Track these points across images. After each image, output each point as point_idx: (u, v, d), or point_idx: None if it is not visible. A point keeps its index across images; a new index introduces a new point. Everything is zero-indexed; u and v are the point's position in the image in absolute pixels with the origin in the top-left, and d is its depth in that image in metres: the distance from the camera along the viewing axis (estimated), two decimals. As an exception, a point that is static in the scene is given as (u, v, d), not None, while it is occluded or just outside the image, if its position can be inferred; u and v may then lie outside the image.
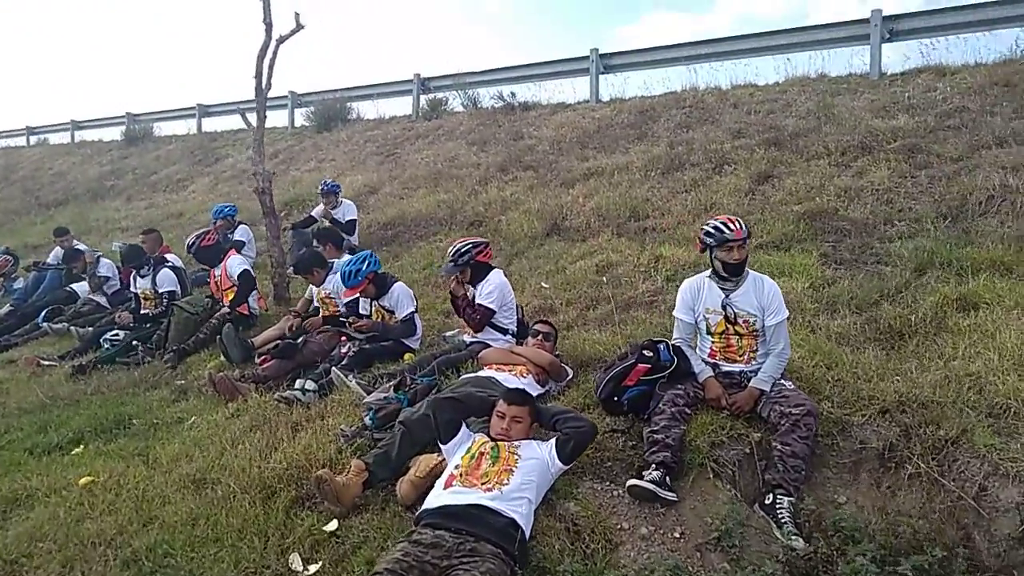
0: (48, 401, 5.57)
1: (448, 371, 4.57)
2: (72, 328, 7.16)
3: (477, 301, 4.79)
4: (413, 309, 5.36)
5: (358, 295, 5.48)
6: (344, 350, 5.24)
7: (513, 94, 12.73)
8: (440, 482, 3.04)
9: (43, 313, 7.75)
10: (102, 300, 7.99)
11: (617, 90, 11.96)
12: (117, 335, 6.66)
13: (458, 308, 4.96)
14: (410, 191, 10.43)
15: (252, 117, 7.29)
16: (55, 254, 9.23)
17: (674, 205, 7.50)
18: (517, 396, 3.27)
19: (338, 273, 5.75)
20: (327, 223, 8.95)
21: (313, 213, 9.12)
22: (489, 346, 4.75)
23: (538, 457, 3.07)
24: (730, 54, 10.76)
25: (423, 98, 14.54)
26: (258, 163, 6.86)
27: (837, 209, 6.47)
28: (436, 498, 2.94)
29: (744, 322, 3.71)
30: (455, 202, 9.37)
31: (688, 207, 7.31)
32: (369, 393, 4.26)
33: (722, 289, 3.76)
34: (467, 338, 4.97)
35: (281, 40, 6.69)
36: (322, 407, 4.52)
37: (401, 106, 15.30)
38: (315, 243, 6.98)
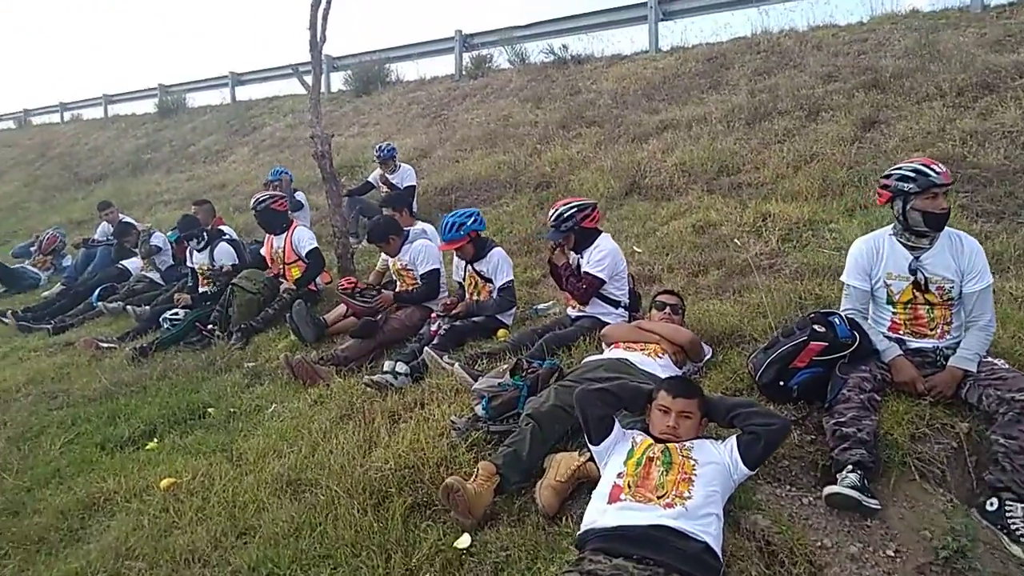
0: (113, 388, 5.17)
1: (558, 350, 4.05)
2: (128, 307, 6.76)
3: (584, 270, 4.23)
4: (512, 278, 4.83)
5: (445, 263, 4.99)
6: (434, 328, 4.71)
7: (565, 47, 11.97)
8: (601, 493, 2.51)
9: (96, 292, 7.37)
10: (155, 276, 7.58)
11: (677, 38, 11.20)
12: (177, 314, 6.24)
13: (559, 279, 4.42)
14: (465, 153, 9.84)
15: (297, 82, 6.71)
16: (102, 229, 8.87)
17: (768, 157, 6.81)
18: (683, 386, 2.71)
19: (415, 242, 5.23)
20: (385, 189, 8.45)
21: (370, 179, 8.59)
22: (600, 321, 4.21)
23: (717, 461, 2.52)
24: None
25: (466, 56, 13.86)
26: (316, 125, 6.31)
27: (965, 156, 5.76)
28: (603, 515, 2.41)
29: (938, 289, 3.09)
30: (517, 163, 8.76)
31: (786, 159, 6.63)
32: (475, 378, 3.74)
33: (910, 249, 3.14)
34: (571, 312, 4.43)
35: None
36: (419, 393, 4.02)
37: (442, 66, 14.64)
38: (386, 210, 6.41)
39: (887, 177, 3.18)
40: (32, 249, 9.27)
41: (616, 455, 2.62)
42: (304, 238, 6.17)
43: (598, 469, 2.77)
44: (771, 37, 9.70)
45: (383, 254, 5.69)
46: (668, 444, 2.57)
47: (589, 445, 2.73)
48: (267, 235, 6.42)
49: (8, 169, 19.61)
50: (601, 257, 4.17)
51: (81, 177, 16.90)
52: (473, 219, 4.75)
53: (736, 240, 5.50)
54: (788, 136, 7.06)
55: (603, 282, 4.17)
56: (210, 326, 5.99)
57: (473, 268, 4.85)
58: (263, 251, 6.45)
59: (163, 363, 5.59)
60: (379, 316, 5.01)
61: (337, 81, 16.24)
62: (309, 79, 6.58)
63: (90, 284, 7.71)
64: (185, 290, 6.65)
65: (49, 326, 6.99)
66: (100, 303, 7.12)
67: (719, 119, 7.93)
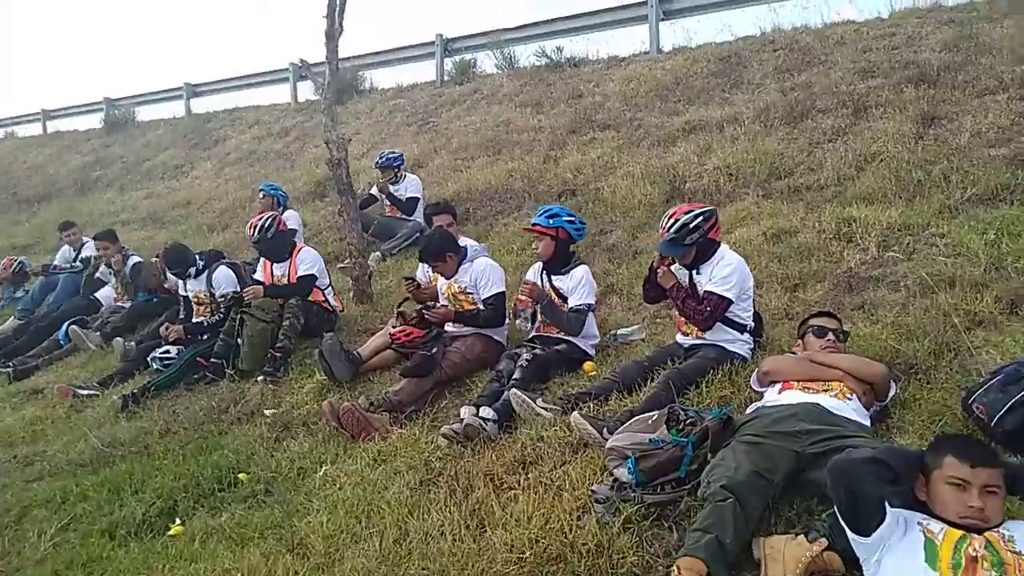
0: (106, 449, 4.22)
1: (686, 389, 3.33)
2: (115, 340, 5.74)
3: (706, 289, 3.52)
4: (592, 301, 4.10)
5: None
6: (517, 362, 3.90)
7: (559, 49, 11.32)
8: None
9: (64, 327, 6.31)
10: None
11: (678, 38, 10.65)
12: (168, 352, 5.31)
13: (652, 296, 3.77)
14: (466, 161, 9.08)
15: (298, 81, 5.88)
16: (63, 253, 7.77)
17: (822, 158, 6.26)
18: (981, 451, 2.01)
19: (475, 261, 4.45)
20: (386, 200, 7.64)
21: (373, 191, 7.74)
22: (727, 351, 3.51)
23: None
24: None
25: (448, 61, 13.13)
26: (331, 128, 5.49)
27: (1050, 149, 5.30)
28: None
29: None
30: (530, 170, 8.04)
31: (845, 159, 6.08)
32: (601, 430, 2.99)
33: None
34: (683, 339, 3.72)
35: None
36: (518, 448, 3.25)
37: (422, 72, 13.83)
38: (436, 219, 5.51)
39: None
40: None
41: (901, 554, 1.89)
42: (307, 260, 5.33)
43: (842, 564, 2.07)
44: (787, 35, 9.24)
45: (424, 272, 4.89)
46: (988, 536, 1.86)
47: (853, 536, 2.01)
48: (263, 260, 5.56)
49: (-71, 189, 17.97)
50: (728, 273, 3.47)
51: (21, 198, 15.49)
52: (572, 219, 4.08)
53: (820, 251, 4.89)
54: (839, 135, 6.53)
55: (730, 303, 3.48)
56: (213, 360, 5.08)
57: (551, 282, 4.12)
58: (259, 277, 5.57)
59: (162, 413, 4.67)
60: (434, 349, 4.21)
61: (305, 90, 15.29)
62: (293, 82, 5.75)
63: (55, 318, 6.65)
64: (176, 321, 5.70)
65: (8, 370, 5.94)
66: (78, 330, 6.05)
67: (752, 119, 7.38)
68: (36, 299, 7.40)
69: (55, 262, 7.64)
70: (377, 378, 4.61)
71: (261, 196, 7.36)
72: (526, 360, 3.81)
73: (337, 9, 5.30)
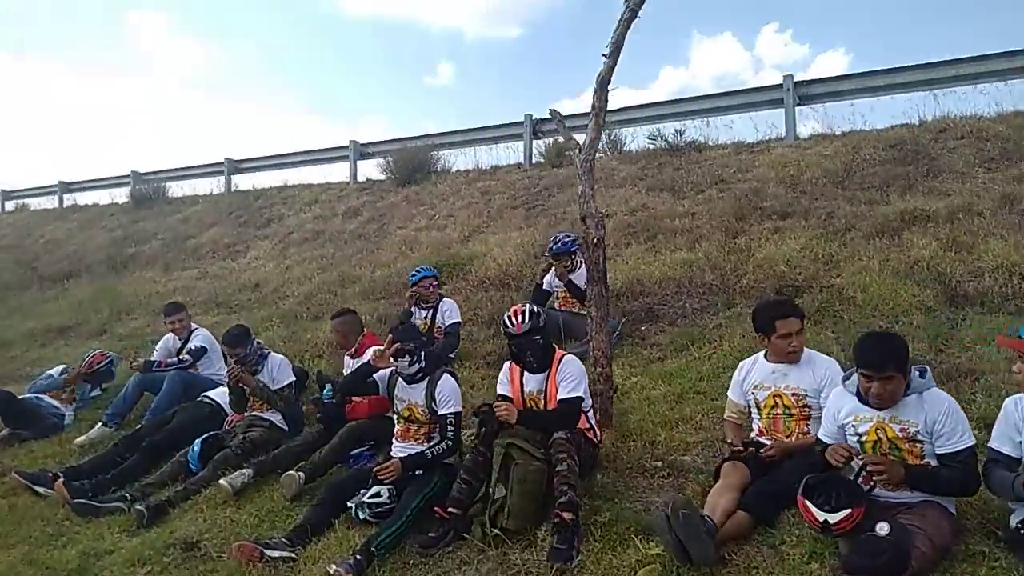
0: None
1: None
2: (291, 476, 4.22)
3: None
4: None
5: None
6: None
7: (679, 132, 10.48)
8: None
9: (198, 446, 4.78)
10: (277, 419, 5.12)
11: (811, 125, 9.92)
12: (379, 495, 3.86)
13: None
14: (615, 249, 7.89)
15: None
16: (165, 343, 6.28)
17: None
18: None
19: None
20: (559, 293, 6.40)
21: (545, 283, 6.49)
22: None
23: None
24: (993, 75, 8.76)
25: (535, 143, 12.28)
26: (588, 200, 4.27)
27: None
28: None
29: None
30: (717, 262, 6.90)
31: None
32: None
33: None
34: None
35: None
36: None
37: (503, 153, 12.98)
38: None
39: None
40: (55, 375, 6.45)
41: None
42: (574, 374, 3.95)
43: None
44: (973, 122, 8.41)
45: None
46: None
47: None
48: (510, 364, 4.12)
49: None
50: None
51: (43, 274, 14.00)
52: None
53: None
54: None
55: None
56: (451, 510, 3.63)
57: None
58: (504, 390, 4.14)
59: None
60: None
61: (367, 170, 14.34)
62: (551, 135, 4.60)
63: (170, 430, 5.11)
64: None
65: (136, 505, 4.33)
66: (293, 475, 4.30)
67: (993, 209, 6.39)
68: (129, 400, 5.84)
69: (156, 357, 6.13)
70: (733, 554, 3.18)
71: (422, 281, 6.10)
72: None
73: (620, 36, 4.16)
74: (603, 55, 4.29)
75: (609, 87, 4.39)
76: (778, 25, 49.12)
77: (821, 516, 2.74)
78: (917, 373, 2.96)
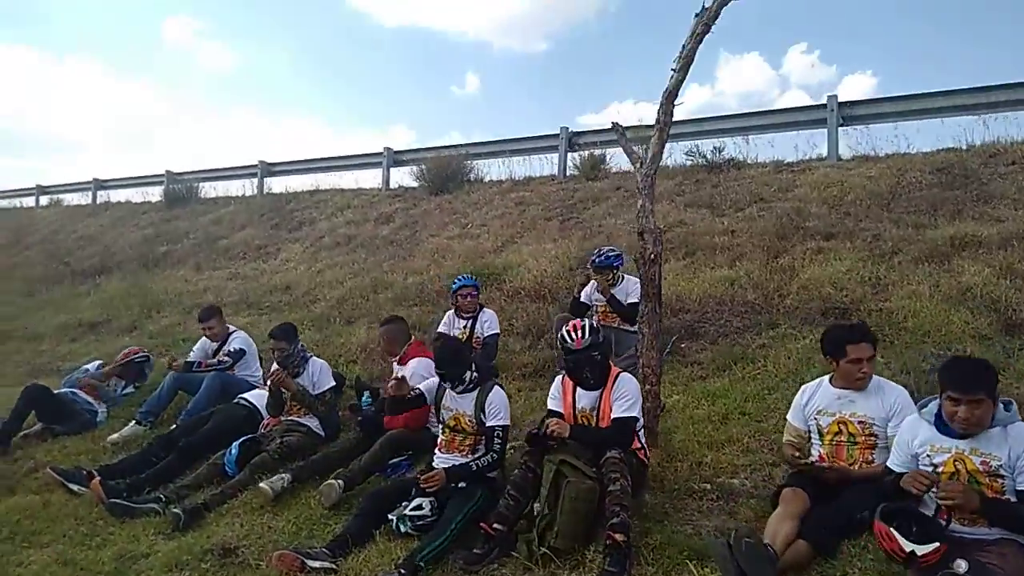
0: None
1: None
2: (330, 486, 4.14)
3: None
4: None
5: None
6: None
7: (718, 150, 10.35)
8: None
9: (235, 448, 4.73)
10: (313, 424, 5.05)
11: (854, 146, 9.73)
12: (421, 507, 3.77)
13: None
14: (652, 264, 7.79)
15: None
16: (201, 346, 6.25)
17: None
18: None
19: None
20: (599, 307, 6.28)
21: (583, 295, 6.38)
22: None
23: None
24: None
25: (570, 155, 12.23)
26: (646, 215, 4.16)
27: None
28: None
29: None
30: (759, 281, 6.76)
31: None
32: None
33: None
34: None
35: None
36: None
37: (537, 165, 12.91)
38: None
39: None
40: (91, 369, 6.46)
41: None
42: (630, 392, 3.86)
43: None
44: (1005, 146, 8.24)
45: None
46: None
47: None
48: (563, 378, 4.04)
49: (-31, 252, 16.67)
50: None
51: (76, 269, 14.13)
52: None
53: None
54: None
55: None
56: (497, 526, 3.53)
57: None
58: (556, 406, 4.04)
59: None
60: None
61: (399, 177, 14.36)
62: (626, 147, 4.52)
63: (207, 432, 5.07)
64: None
65: (172, 508, 4.27)
66: (333, 484, 4.16)
67: (1049, 238, 6.20)
68: (164, 399, 5.82)
69: (192, 357, 6.10)
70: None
71: (461, 290, 6.04)
72: None
73: (693, 49, 4.06)
74: (671, 68, 4.19)
75: (677, 101, 4.28)
76: (806, 46, 48.94)
77: (908, 547, 2.59)
78: (1002, 405, 2.82)
